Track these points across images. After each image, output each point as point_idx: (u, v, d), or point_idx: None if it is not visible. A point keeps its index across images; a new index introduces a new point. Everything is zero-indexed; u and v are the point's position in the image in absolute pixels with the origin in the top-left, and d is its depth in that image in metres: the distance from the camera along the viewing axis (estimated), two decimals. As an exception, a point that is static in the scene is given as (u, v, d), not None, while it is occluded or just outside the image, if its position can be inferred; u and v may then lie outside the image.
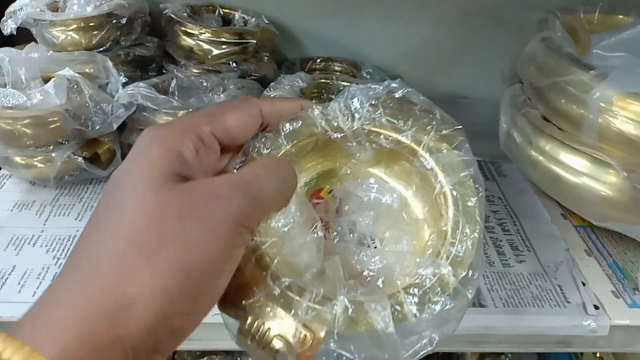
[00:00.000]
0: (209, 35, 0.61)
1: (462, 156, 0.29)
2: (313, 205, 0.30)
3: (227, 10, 0.67)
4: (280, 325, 0.22)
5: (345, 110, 0.30)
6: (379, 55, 0.75)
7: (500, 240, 0.51)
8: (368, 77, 0.66)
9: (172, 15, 0.62)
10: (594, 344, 0.44)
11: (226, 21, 0.67)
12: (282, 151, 0.28)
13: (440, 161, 0.28)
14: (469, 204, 0.28)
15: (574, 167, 0.47)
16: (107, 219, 0.20)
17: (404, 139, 0.29)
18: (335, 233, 0.30)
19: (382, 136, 0.29)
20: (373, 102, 0.29)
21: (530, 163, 0.52)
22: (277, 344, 0.22)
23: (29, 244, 0.47)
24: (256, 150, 0.27)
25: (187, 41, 0.61)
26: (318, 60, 0.71)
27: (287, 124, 0.28)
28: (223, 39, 0.61)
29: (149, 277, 0.18)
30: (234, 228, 0.20)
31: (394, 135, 0.29)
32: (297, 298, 0.23)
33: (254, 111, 0.26)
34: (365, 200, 0.31)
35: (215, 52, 0.61)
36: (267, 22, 0.65)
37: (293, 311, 0.22)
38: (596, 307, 0.43)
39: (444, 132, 0.29)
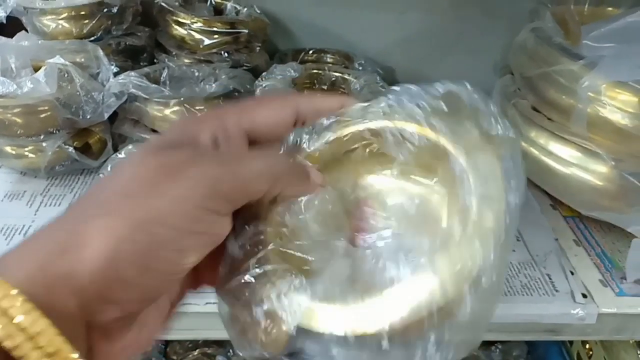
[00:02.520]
0: (201, 24, 0.61)
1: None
2: (359, 212, 0.27)
3: (219, 0, 0.67)
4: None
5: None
6: (372, 46, 0.74)
7: (490, 230, 0.51)
8: (360, 68, 0.66)
9: (164, 5, 0.61)
10: (582, 332, 0.44)
11: (218, 11, 0.67)
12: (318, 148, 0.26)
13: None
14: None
15: (563, 157, 0.48)
16: (106, 177, 0.22)
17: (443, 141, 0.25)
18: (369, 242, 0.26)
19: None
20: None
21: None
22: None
23: (19, 234, 0.47)
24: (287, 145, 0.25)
25: (179, 31, 0.61)
26: (310, 52, 0.71)
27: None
28: (215, 29, 0.61)
29: (107, 222, 0.19)
30: (203, 200, 0.20)
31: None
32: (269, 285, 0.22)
33: (286, 108, 0.26)
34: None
35: (207, 41, 0.60)
36: (259, 12, 0.64)
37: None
38: (584, 296, 0.44)
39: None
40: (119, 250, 0.19)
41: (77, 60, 0.55)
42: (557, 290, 0.44)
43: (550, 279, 0.45)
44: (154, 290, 0.21)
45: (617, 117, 0.42)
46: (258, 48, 0.64)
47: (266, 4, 0.70)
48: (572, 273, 0.46)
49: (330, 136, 0.26)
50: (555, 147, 0.48)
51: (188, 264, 0.21)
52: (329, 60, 0.70)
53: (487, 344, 0.71)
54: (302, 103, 0.26)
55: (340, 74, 0.58)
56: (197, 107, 0.51)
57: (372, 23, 0.73)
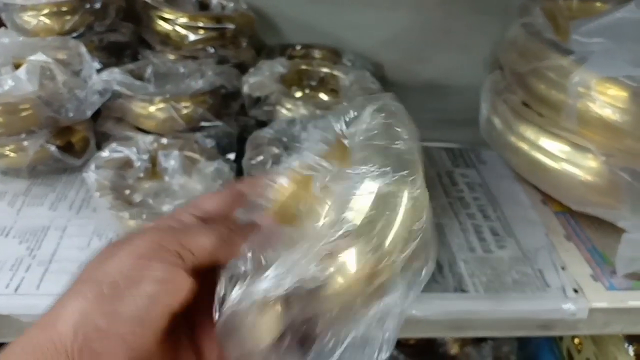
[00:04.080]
0: (186, 20, 0.59)
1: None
2: None
3: (205, -5, 0.66)
4: None
5: None
6: (360, 42, 0.74)
7: (481, 227, 0.51)
8: (349, 64, 0.65)
9: (148, 0, 0.60)
10: (574, 326, 0.44)
11: (203, 6, 0.66)
12: None
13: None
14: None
15: (554, 152, 0.48)
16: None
17: None
18: None
19: None
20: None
21: (510, 149, 0.52)
22: None
23: (1, 234, 0.45)
24: None
25: (163, 26, 0.60)
26: (298, 47, 0.70)
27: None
28: (200, 24, 0.60)
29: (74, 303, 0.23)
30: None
31: None
32: None
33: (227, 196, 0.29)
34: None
35: (192, 37, 0.59)
36: (245, 7, 0.63)
37: None
38: (575, 291, 0.44)
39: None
40: (86, 308, 0.23)
41: (59, 57, 0.54)
42: (548, 286, 0.44)
43: (541, 274, 0.45)
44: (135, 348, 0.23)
45: (608, 113, 0.42)
46: (245, 44, 0.63)
47: (253, -1, 0.69)
48: (563, 268, 0.46)
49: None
50: (546, 142, 0.48)
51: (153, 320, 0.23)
52: (316, 56, 0.70)
53: (477, 341, 0.71)
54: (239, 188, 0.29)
55: (329, 70, 0.57)
56: (183, 104, 0.50)
57: (361, 19, 0.72)
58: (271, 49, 0.70)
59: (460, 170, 0.60)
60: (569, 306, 0.42)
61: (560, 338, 0.70)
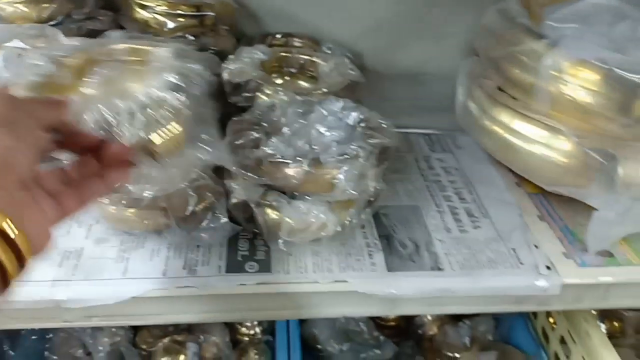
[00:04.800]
0: (165, 7, 0.59)
1: None
2: None
3: (183, -17, 0.66)
4: None
5: None
6: (340, 31, 0.74)
7: (457, 208, 0.52)
8: (329, 52, 0.66)
9: (127, -13, 0.60)
10: (546, 302, 0.46)
11: (183, -7, 0.66)
12: None
13: None
14: None
15: (527, 135, 0.49)
16: None
17: None
18: None
19: None
20: None
21: (485, 133, 0.53)
22: None
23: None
24: None
25: (142, 14, 0.60)
26: (278, 36, 0.70)
27: None
28: (179, 12, 0.60)
29: None
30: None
31: None
32: None
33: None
34: None
35: (172, 25, 0.59)
36: (227, -4, 0.64)
37: None
38: (548, 268, 0.45)
39: None
40: None
41: (37, 45, 0.53)
42: (522, 263, 0.46)
43: (515, 252, 0.47)
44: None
45: (579, 94, 0.44)
46: (224, 32, 0.63)
47: (232, -14, 0.69)
48: (537, 247, 0.48)
49: None
50: (520, 125, 0.50)
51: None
52: (296, 44, 0.70)
53: (455, 321, 0.72)
54: None
55: (308, 57, 0.58)
56: (164, 91, 0.50)
57: (340, 8, 0.73)
58: (251, 38, 0.70)
59: (437, 155, 0.62)
60: (541, 282, 0.44)
61: (535, 317, 0.72)
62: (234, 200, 0.43)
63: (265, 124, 0.45)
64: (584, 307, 0.48)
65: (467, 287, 0.44)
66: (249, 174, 0.41)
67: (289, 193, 0.42)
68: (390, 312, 0.44)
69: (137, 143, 0.34)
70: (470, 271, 0.45)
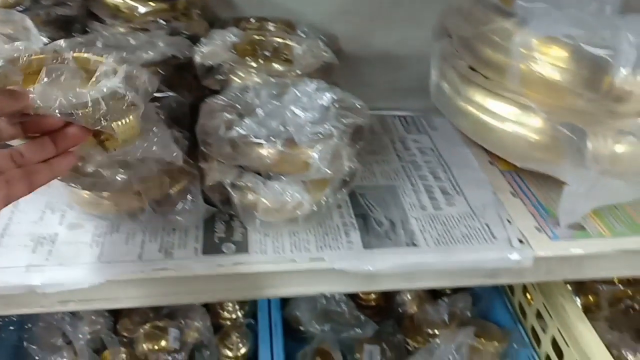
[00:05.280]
0: (136, -8, 0.59)
1: None
2: None
3: (154, -33, 0.65)
4: None
5: None
6: (314, 14, 0.74)
7: (432, 187, 0.53)
8: (304, 35, 0.66)
9: (96, -29, 0.59)
10: (520, 274, 0.47)
11: (154, -22, 0.65)
12: None
13: None
14: None
15: (500, 113, 0.50)
16: None
17: None
18: None
19: None
20: None
21: (459, 113, 0.54)
22: None
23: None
24: None
25: (113, -1, 0.59)
26: (252, 20, 0.70)
27: None
28: (151, -4, 0.59)
29: None
30: None
31: None
32: None
33: None
34: None
35: (143, 9, 0.58)
36: (198, -21, 0.63)
37: None
38: (521, 241, 0.47)
39: None
40: None
41: (4, 31, 0.52)
42: (495, 238, 0.47)
43: (489, 227, 0.48)
44: None
45: (549, 72, 0.44)
46: (196, 16, 0.62)
47: (204, -29, 0.68)
48: (510, 222, 0.49)
49: None
50: (492, 104, 0.50)
51: None
52: (271, 28, 0.70)
53: (434, 298, 0.74)
54: None
55: (282, 40, 0.58)
56: (135, 75, 0.50)
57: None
58: (225, 22, 0.69)
59: (412, 136, 0.62)
60: (514, 255, 0.45)
61: (512, 293, 0.74)
62: (209, 183, 0.43)
63: (238, 106, 0.45)
64: (556, 279, 0.49)
65: (441, 261, 0.44)
66: (223, 155, 0.41)
67: (264, 174, 0.42)
68: (367, 288, 0.45)
69: (97, 131, 0.35)
70: (445, 246, 0.45)
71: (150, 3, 0.59)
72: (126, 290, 0.42)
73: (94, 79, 0.39)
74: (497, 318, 0.74)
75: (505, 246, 0.46)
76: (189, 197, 0.43)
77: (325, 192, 0.44)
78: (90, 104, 0.34)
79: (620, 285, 0.83)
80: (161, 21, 0.60)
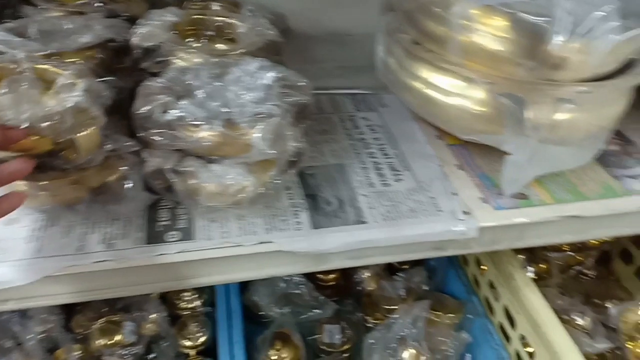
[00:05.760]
0: (68, -26, 0.56)
1: None
2: None
3: (87, -52, 0.62)
4: None
5: None
6: (261, -7, 0.73)
7: (380, 164, 0.53)
8: (250, 14, 0.64)
9: (23, -48, 0.56)
10: (466, 245, 0.48)
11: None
12: None
13: None
14: None
15: (443, 86, 0.50)
16: None
17: None
18: None
19: None
20: None
21: (404, 88, 0.54)
22: None
23: None
24: None
25: (46, -19, 0.56)
26: (196, 0, 0.68)
27: None
28: (85, -22, 0.56)
29: None
30: None
31: None
32: None
33: None
34: None
35: (77, -9, 0.56)
36: (132, -42, 0.60)
37: None
38: (466, 213, 0.47)
39: None
40: None
41: None
42: (441, 211, 0.47)
43: (434, 201, 0.48)
44: None
45: (488, 42, 0.45)
46: (132, -4, 0.60)
47: (143, -50, 0.66)
48: (455, 194, 0.49)
49: None
50: (436, 78, 0.50)
51: None
52: (215, 8, 0.68)
53: (390, 274, 0.75)
54: None
55: (225, 19, 0.56)
56: (69, 60, 0.48)
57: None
58: (167, 3, 0.67)
59: (362, 114, 0.62)
60: (459, 227, 0.46)
61: (467, 265, 0.76)
62: (148, 169, 0.41)
63: (178, 88, 0.44)
64: (501, 248, 0.50)
65: (388, 237, 0.45)
66: (160, 139, 0.39)
67: (206, 157, 0.41)
68: (317, 267, 0.45)
69: (61, 142, 0.37)
70: (392, 222, 0.46)
71: (85, -16, 0.56)
72: (67, 286, 0.41)
73: (53, 90, 0.39)
74: (452, 290, 0.76)
75: (450, 218, 0.46)
76: (129, 184, 0.42)
77: (271, 173, 0.43)
78: (57, 117, 0.36)
79: (570, 253, 0.86)
80: (98, 4, 0.58)
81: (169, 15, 0.52)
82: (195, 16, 0.55)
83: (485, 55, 0.46)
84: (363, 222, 0.45)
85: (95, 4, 0.57)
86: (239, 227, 0.44)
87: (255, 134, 0.39)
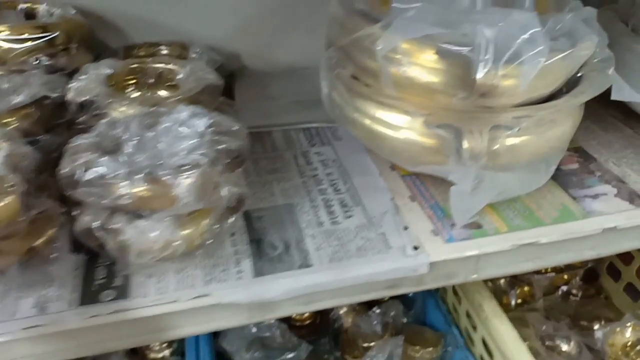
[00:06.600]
0: (8, 33, 0.56)
1: None
2: None
3: (30, 5, 0.62)
4: None
5: None
6: (211, 34, 0.73)
7: (331, 200, 0.52)
8: (195, 56, 0.64)
9: (-38, 15, 0.56)
10: (420, 282, 0.46)
11: (31, 16, 0.62)
12: None
13: None
14: None
15: (385, 120, 0.49)
16: None
17: None
18: None
19: None
20: None
21: (350, 123, 0.53)
22: None
23: None
24: None
25: (-16, 42, 0.56)
26: (144, 46, 0.68)
27: None
28: (25, 35, 0.56)
29: None
30: None
31: None
32: None
33: None
34: None
35: (17, 50, 0.56)
36: (73, 11, 0.61)
37: None
38: (416, 248, 0.46)
39: None
40: None
41: None
42: (390, 247, 0.46)
43: (384, 237, 0.47)
44: None
45: (416, 74, 0.44)
46: (77, 50, 0.60)
47: (86, 1, 0.66)
48: (406, 228, 0.48)
49: None
50: (377, 112, 0.49)
51: None
52: (164, 52, 0.68)
53: (368, 307, 0.73)
54: None
55: (164, 65, 0.56)
56: (4, 120, 0.47)
57: (205, 11, 0.71)
58: (115, 51, 0.67)
59: (316, 149, 0.61)
60: (408, 263, 0.44)
61: (445, 292, 0.73)
62: (78, 228, 0.40)
63: (107, 143, 0.43)
64: (459, 282, 0.48)
65: (335, 279, 0.43)
66: (85, 198, 0.38)
67: (135, 213, 0.40)
68: (264, 317, 0.43)
69: None
70: (339, 263, 0.44)
71: (26, 43, 0.57)
72: (2, 354, 0.39)
73: None
74: (432, 320, 0.74)
75: (399, 255, 0.45)
76: (58, 246, 0.41)
77: (205, 223, 0.42)
78: None
79: (555, 273, 0.84)
80: (39, 59, 0.57)
81: (104, 68, 0.51)
82: (133, 65, 0.54)
83: (418, 88, 0.45)
84: (308, 266, 0.44)
85: (34, 62, 0.57)
86: (177, 281, 0.42)
87: (180, 187, 0.38)
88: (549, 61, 0.41)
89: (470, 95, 0.42)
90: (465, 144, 0.43)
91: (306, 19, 0.74)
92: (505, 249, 0.46)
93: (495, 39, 0.39)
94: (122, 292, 0.41)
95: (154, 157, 0.42)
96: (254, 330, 0.69)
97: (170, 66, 0.56)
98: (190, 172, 0.38)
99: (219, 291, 0.41)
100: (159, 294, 0.41)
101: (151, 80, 0.56)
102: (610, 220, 0.50)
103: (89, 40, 0.63)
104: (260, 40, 0.75)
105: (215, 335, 0.69)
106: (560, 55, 0.43)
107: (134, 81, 0.56)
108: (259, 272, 0.43)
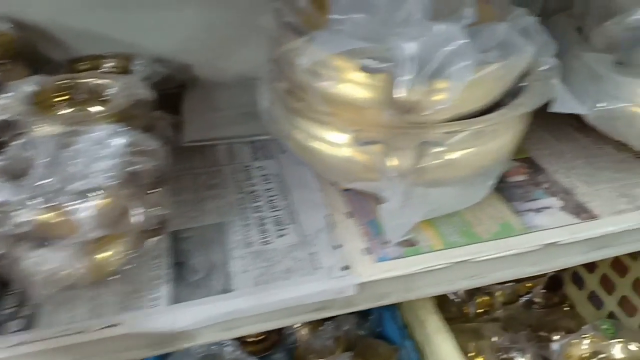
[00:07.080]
0: None
1: None
2: None
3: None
4: None
5: None
6: (159, 45, 0.71)
7: (266, 218, 0.50)
8: (137, 68, 0.62)
9: None
10: (350, 303, 0.45)
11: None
12: None
13: None
14: None
15: (318, 135, 0.47)
16: None
17: None
18: None
19: None
20: None
21: (286, 137, 0.51)
22: None
23: None
24: None
25: None
26: (88, 59, 0.66)
27: None
28: (-49, 52, 0.54)
29: None
30: None
31: None
32: None
33: None
34: None
35: (-57, 65, 0.54)
36: (10, 25, 0.59)
37: None
38: (345, 268, 0.44)
39: None
40: None
41: None
42: (320, 268, 0.44)
43: (315, 257, 0.45)
44: None
45: (343, 90, 0.42)
46: (11, 65, 0.58)
47: (28, 14, 0.64)
48: (340, 246, 0.46)
49: None
50: (309, 126, 0.48)
51: None
52: (108, 65, 0.66)
53: (317, 325, 0.71)
54: None
55: (95, 80, 0.54)
56: None
57: (152, 22, 0.69)
58: (58, 65, 0.65)
59: (259, 162, 0.59)
60: (334, 285, 0.42)
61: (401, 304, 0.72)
62: (-18, 256, 0.38)
63: (18, 166, 0.41)
64: (392, 302, 0.46)
65: (256, 304, 0.41)
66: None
67: (40, 240, 0.38)
68: (183, 345, 0.41)
69: None
70: (263, 286, 0.42)
71: (-46, 57, 0.54)
72: None
73: None
74: (389, 333, 0.72)
75: (326, 276, 0.43)
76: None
77: (118, 249, 0.40)
78: None
79: (515, 282, 0.83)
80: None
81: (28, 85, 0.49)
82: (61, 82, 0.52)
83: (346, 103, 0.43)
84: (230, 291, 0.42)
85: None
86: (89, 310, 0.40)
87: (80, 213, 0.36)
88: (477, 75, 0.40)
89: (396, 112, 0.40)
90: (390, 161, 0.41)
91: (257, 29, 0.72)
92: (438, 267, 0.45)
93: (417, 54, 0.38)
94: (30, 323, 0.39)
95: (63, 180, 0.40)
96: (204, 349, 0.67)
97: (100, 81, 0.54)
98: (93, 196, 0.37)
99: (129, 320, 0.39)
100: (68, 324, 0.39)
101: (84, 96, 0.54)
102: (552, 235, 0.48)
103: (29, 54, 0.61)
104: (211, 50, 0.74)
105: (163, 356, 0.67)
106: (489, 69, 0.41)
107: (66, 97, 0.54)
108: (177, 299, 0.41)
